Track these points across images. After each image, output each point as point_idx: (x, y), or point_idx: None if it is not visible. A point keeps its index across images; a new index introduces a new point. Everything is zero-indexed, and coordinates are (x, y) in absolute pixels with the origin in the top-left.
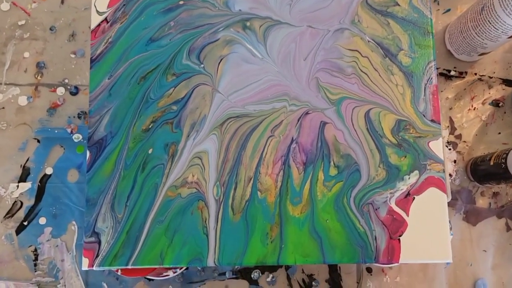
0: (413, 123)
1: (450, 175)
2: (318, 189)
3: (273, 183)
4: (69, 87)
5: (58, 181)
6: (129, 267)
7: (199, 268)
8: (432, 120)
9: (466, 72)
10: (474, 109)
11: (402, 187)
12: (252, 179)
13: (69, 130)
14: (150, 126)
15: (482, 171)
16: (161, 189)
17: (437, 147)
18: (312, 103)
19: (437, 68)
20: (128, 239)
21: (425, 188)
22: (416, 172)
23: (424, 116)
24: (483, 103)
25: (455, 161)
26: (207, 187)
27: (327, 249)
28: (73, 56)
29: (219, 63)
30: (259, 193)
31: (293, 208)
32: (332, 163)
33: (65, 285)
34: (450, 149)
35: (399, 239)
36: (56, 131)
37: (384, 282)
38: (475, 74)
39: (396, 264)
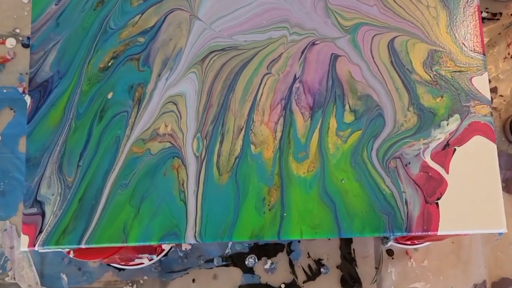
0: (451, 54)
1: None
2: (329, 140)
3: (270, 133)
4: (21, 39)
5: (7, 151)
6: (83, 246)
7: (181, 255)
8: (474, 50)
9: (500, 14)
10: (511, 57)
11: (439, 136)
12: (244, 129)
13: (20, 90)
14: (109, 64)
15: None
16: (124, 144)
17: (482, 84)
18: (320, 31)
19: None
20: (81, 209)
21: (468, 137)
22: (457, 116)
23: (464, 45)
24: None
25: None
26: (185, 141)
27: (343, 218)
28: (25, 1)
29: None
30: (252, 147)
31: (297, 165)
32: (347, 106)
33: (14, 278)
34: None
35: (437, 203)
36: (4, 91)
37: (408, 267)
38: (511, 15)
39: (424, 244)
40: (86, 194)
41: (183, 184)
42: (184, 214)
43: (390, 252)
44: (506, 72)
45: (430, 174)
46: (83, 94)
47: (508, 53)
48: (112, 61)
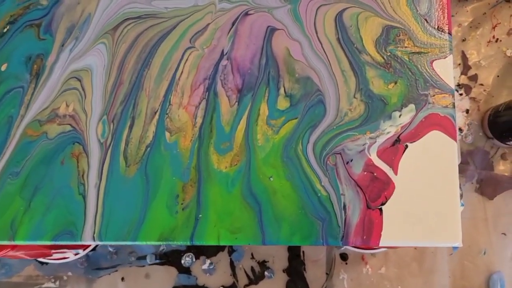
0: (409, 32)
1: (461, 130)
2: (259, 130)
3: (189, 119)
4: None
5: None
6: None
7: (110, 250)
8: (438, 28)
9: None
10: (496, 41)
11: (389, 129)
12: (158, 113)
13: None
14: (5, 30)
15: (506, 123)
16: (17, 125)
17: (445, 68)
18: None
19: None
20: None
21: (424, 132)
22: (412, 106)
23: (427, 21)
24: (508, 34)
25: (467, 111)
26: (88, 124)
27: (268, 222)
28: None
29: None
30: (167, 134)
31: (219, 158)
32: (282, 90)
33: None
34: (461, 95)
35: (380, 209)
36: None
37: (363, 274)
38: None
39: (380, 249)
40: None
41: (83, 175)
42: (83, 210)
43: (344, 257)
44: (489, 58)
45: (375, 174)
46: None
47: (493, 37)
48: (8, 27)
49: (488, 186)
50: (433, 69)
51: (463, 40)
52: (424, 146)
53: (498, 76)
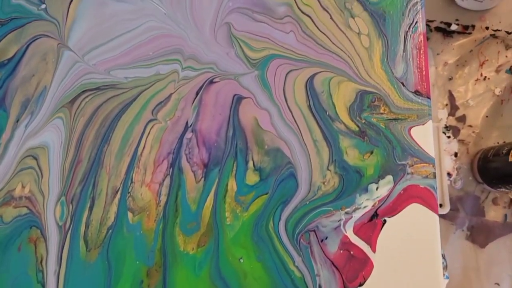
0: (385, 97)
1: (449, 174)
2: (227, 207)
3: (153, 198)
4: None
5: None
6: None
7: None
8: (416, 92)
9: (473, 26)
10: (484, 79)
11: (366, 203)
12: (120, 192)
13: None
14: None
15: (496, 169)
16: None
17: (424, 136)
18: (220, 65)
19: (431, 21)
20: None
21: (403, 205)
22: (389, 178)
23: (404, 85)
24: (497, 71)
25: (456, 155)
26: (45, 206)
27: None
28: None
29: (71, 2)
30: (130, 214)
31: (185, 239)
32: (251, 163)
33: None
34: (449, 137)
35: None
36: None
37: None
38: (487, 28)
39: None
40: None
41: (41, 262)
42: None
43: None
44: (477, 98)
45: (352, 252)
46: None
47: (481, 74)
48: None
49: (479, 233)
50: (411, 136)
51: (450, 79)
52: (403, 221)
53: (487, 116)
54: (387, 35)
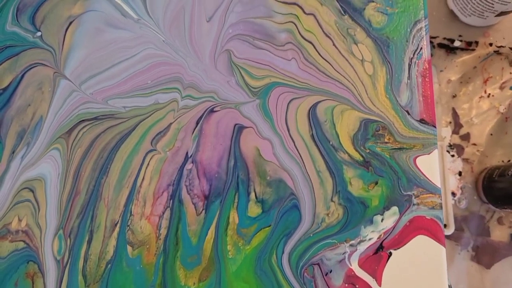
0: (390, 126)
1: (454, 194)
2: (229, 240)
3: (153, 231)
4: None
5: None
6: None
7: None
8: (421, 121)
9: (476, 43)
10: (488, 96)
11: (371, 235)
12: (119, 225)
13: None
14: None
15: (501, 190)
16: None
17: (430, 165)
18: (221, 94)
19: (434, 37)
20: None
21: (409, 237)
22: (395, 209)
23: (409, 113)
24: (501, 88)
25: (460, 173)
26: (43, 240)
27: None
28: None
29: (67, 29)
30: (129, 248)
31: (186, 273)
32: (253, 195)
33: None
34: (453, 156)
35: None
36: None
37: None
38: (490, 44)
39: None
40: None
41: None
42: None
43: None
44: (481, 115)
45: (357, 286)
46: None
47: (485, 91)
48: None
49: (485, 253)
50: (416, 166)
51: (454, 97)
52: (409, 253)
53: (491, 134)
54: (391, 62)
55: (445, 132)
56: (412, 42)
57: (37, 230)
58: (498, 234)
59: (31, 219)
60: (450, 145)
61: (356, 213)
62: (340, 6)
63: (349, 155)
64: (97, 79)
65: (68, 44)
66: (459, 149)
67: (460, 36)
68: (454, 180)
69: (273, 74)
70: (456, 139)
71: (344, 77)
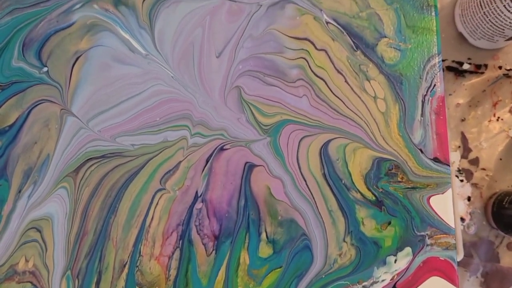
0: (403, 165)
1: (463, 219)
2: (239, 281)
3: (162, 271)
4: None
5: None
6: None
7: None
8: (435, 159)
9: (486, 66)
10: (497, 119)
11: (384, 276)
12: (128, 266)
13: None
14: None
15: (510, 218)
16: None
17: (444, 205)
18: (231, 131)
19: (443, 60)
20: None
21: (422, 278)
22: (408, 250)
23: (422, 151)
24: (510, 111)
25: (469, 199)
26: (50, 281)
27: None
28: None
29: (74, 64)
30: None
31: None
32: (264, 235)
33: None
34: (462, 181)
35: None
36: None
37: None
38: (500, 68)
39: None
40: None
41: None
42: None
43: None
44: (490, 139)
45: None
46: None
47: (494, 115)
48: None
49: (494, 280)
50: (430, 206)
51: (462, 120)
52: None
53: (500, 159)
54: (404, 99)
55: (454, 157)
56: (426, 78)
57: (45, 271)
58: (508, 260)
59: (38, 259)
60: (459, 170)
61: (369, 254)
62: (352, 42)
63: (361, 194)
64: (105, 116)
65: (75, 80)
66: (468, 174)
67: (469, 59)
68: (463, 205)
69: (284, 111)
70: (465, 164)
71: (357, 115)
